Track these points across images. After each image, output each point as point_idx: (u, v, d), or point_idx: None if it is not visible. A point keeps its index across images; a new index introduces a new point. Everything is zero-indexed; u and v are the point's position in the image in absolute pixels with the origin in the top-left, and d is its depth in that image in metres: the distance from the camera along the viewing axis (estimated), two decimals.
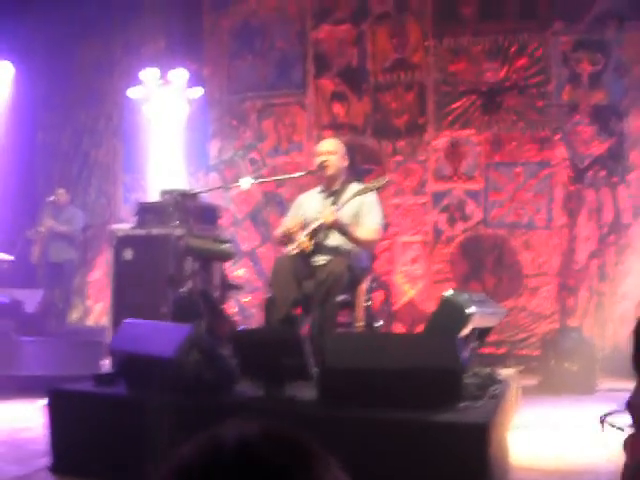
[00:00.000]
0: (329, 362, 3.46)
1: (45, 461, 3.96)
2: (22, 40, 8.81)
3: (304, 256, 4.74)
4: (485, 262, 8.32)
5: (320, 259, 4.74)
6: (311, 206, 4.98)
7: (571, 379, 6.57)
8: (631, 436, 1.61)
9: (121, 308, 5.81)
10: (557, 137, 8.15)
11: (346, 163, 5.05)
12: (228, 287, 6.08)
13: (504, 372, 4.79)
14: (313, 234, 4.75)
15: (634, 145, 7.92)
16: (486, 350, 7.14)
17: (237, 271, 8.84)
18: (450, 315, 3.81)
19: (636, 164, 7.91)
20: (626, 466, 1.57)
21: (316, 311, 4.39)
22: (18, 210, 9.33)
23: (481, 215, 8.39)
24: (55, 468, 3.88)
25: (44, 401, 4.14)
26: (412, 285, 8.54)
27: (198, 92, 9.17)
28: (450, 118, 8.53)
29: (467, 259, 8.41)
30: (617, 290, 7.86)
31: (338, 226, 4.63)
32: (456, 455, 3.17)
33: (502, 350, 7.91)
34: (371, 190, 4.77)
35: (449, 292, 3.98)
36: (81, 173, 10.14)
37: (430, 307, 8.04)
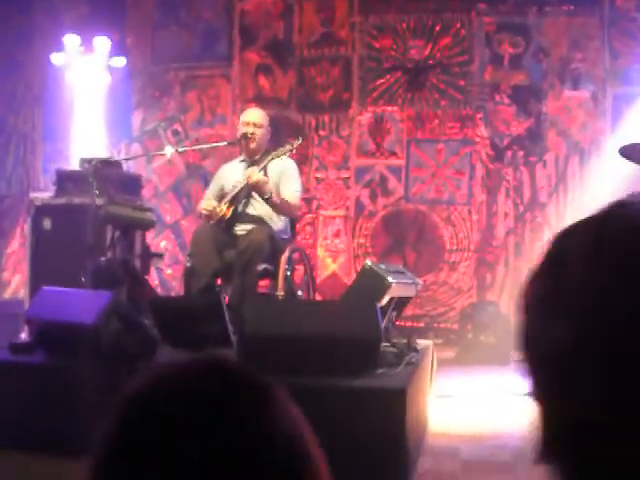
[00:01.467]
0: (249, 328, 3.49)
1: None
2: None
3: (225, 225, 4.73)
4: (406, 237, 8.45)
5: (241, 228, 4.74)
6: (232, 175, 4.98)
7: (487, 351, 6.76)
8: None
9: (39, 279, 5.69)
10: (479, 116, 8.30)
11: (269, 134, 5.05)
12: (149, 256, 6.02)
13: (421, 342, 4.89)
14: (232, 201, 4.75)
15: (551, 126, 8.14)
16: (406, 323, 7.30)
17: (160, 243, 8.76)
18: (369, 284, 3.88)
19: (553, 144, 8.14)
20: None
21: (236, 280, 4.40)
22: None
23: (402, 191, 8.51)
24: None
25: None
26: (334, 259, 8.62)
27: (121, 61, 8.98)
28: (375, 94, 8.60)
29: (388, 234, 8.53)
30: (533, 266, 8.07)
31: (261, 185, 4.62)
32: (374, 420, 3.24)
33: (421, 323, 8.07)
34: (288, 151, 4.79)
35: (368, 262, 4.05)
36: (0, 142, 9.86)
37: (351, 281, 8.15)
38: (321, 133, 8.70)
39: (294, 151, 4.90)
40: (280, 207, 4.78)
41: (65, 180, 6.22)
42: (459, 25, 8.39)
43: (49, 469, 3.44)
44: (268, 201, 4.68)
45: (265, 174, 4.64)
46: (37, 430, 3.63)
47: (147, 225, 6.14)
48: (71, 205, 5.90)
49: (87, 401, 3.48)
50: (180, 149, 6.15)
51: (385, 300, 4.04)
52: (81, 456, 0.86)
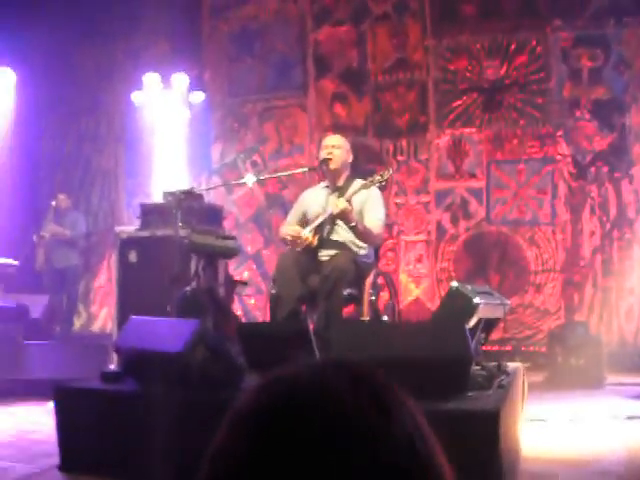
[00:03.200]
0: (337, 353, 3.45)
1: (54, 460, 3.95)
2: (23, 45, 8.81)
3: (309, 251, 4.73)
4: (489, 259, 8.31)
5: (325, 254, 4.73)
6: (315, 201, 4.97)
7: (578, 374, 6.55)
8: None
9: (126, 310, 5.78)
10: (559, 133, 8.15)
11: (350, 158, 5.04)
12: (233, 284, 6.07)
13: (511, 365, 4.77)
14: (318, 229, 4.75)
15: (636, 139, 7.92)
16: (492, 347, 7.14)
17: (242, 274, 8.84)
18: (457, 305, 3.80)
19: (639, 158, 7.91)
20: None
21: (321, 305, 4.37)
22: (22, 216, 9.34)
23: (484, 213, 8.39)
24: (64, 466, 3.86)
25: (52, 404, 4.13)
26: (417, 284, 8.53)
27: (199, 96, 9.18)
28: (451, 117, 8.54)
29: (471, 257, 8.41)
30: (623, 285, 7.84)
31: (347, 214, 4.59)
32: (467, 443, 3.14)
33: (508, 347, 7.89)
34: (378, 182, 4.76)
35: (455, 283, 3.98)
36: (83, 179, 10.15)
37: (435, 306, 8.04)
38: (399, 158, 8.66)
39: (384, 184, 4.87)
40: (364, 235, 4.75)
41: (149, 213, 6.34)
42: (534, 42, 8.28)
43: None
44: (353, 229, 4.66)
45: (349, 201, 4.62)
46: (121, 456, 3.66)
47: (231, 253, 6.20)
48: (155, 237, 6.00)
49: (173, 429, 3.50)
50: (261, 177, 6.17)
51: (473, 321, 3.95)
52: None
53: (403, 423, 0.69)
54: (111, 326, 9.08)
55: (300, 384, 0.70)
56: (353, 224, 4.62)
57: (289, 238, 4.83)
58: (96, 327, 10.01)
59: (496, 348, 7.46)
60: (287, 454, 0.64)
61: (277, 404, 0.68)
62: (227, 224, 7.91)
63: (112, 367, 6.27)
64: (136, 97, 9.12)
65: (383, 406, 0.69)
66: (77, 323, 9.81)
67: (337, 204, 4.56)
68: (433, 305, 8.05)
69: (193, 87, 9.24)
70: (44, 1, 8.80)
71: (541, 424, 4.88)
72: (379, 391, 0.71)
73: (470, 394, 3.49)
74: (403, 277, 8.52)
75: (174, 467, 3.43)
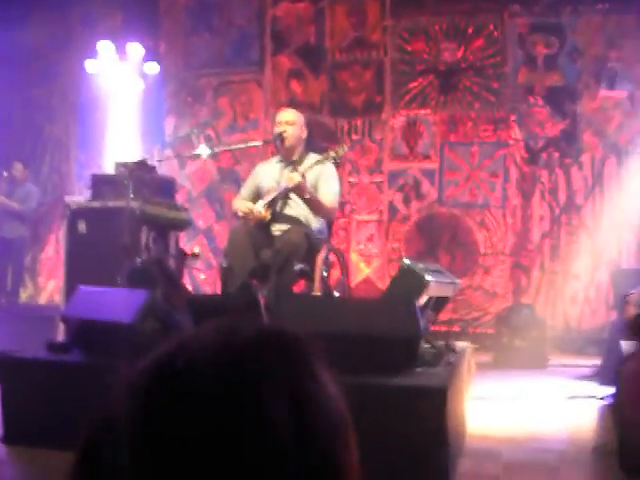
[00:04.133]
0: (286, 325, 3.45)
1: None
2: None
3: (261, 226, 4.71)
4: (440, 241, 8.38)
5: (278, 228, 4.72)
6: (269, 175, 4.95)
7: (523, 355, 6.67)
8: None
9: (75, 281, 5.68)
10: (512, 118, 8.23)
11: (305, 133, 5.02)
12: (184, 257, 6.02)
13: (459, 344, 4.83)
14: (271, 203, 4.73)
15: (587, 127, 8.04)
16: (441, 328, 7.22)
17: (193, 248, 8.76)
18: (408, 282, 3.83)
19: (589, 146, 8.03)
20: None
21: (273, 280, 4.37)
22: None
23: (436, 194, 8.45)
24: (6, 438, 3.80)
25: None
26: (368, 263, 8.57)
27: (154, 68, 9.04)
28: (407, 97, 8.56)
29: (422, 238, 8.47)
30: (569, 270, 7.98)
31: (301, 188, 4.58)
32: (414, 418, 3.18)
33: (456, 328, 7.98)
34: (333, 158, 4.75)
35: (407, 260, 4.00)
36: (34, 148, 9.95)
37: (385, 286, 8.09)
38: (354, 137, 8.66)
39: (339, 160, 4.86)
40: (318, 208, 4.74)
41: (100, 184, 6.25)
42: (492, 27, 8.32)
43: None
44: (307, 202, 4.65)
45: (303, 175, 4.60)
46: (69, 428, 3.61)
47: (183, 225, 6.15)
48: (106, 208, 5.92)
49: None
50: (215, 149, 6.10)
51: (424, 299, 3.98)
52: None
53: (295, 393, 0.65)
54: (58, 298, 8.95)
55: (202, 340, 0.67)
56: (307, 197, 4.61)
57: (241, 213, 4.81)
58: (42, 299, 9.85)
59: (445, 328, 7.54)
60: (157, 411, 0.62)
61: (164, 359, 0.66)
62: (179, 198, 7.83)
63: (59, 339, 6.19)
64: (90, 65, 8.94)
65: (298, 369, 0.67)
66: (23, 295, 9.64)
67: (292, 177, 4.55)
68: (383, 285, 8.09)
69: (148, 58, 9.09)
70: None
71: (486, 403, 4.96)
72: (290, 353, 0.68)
73: (418, 370, 3.52)
74: (354, 256, 8.55)
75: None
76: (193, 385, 0.63)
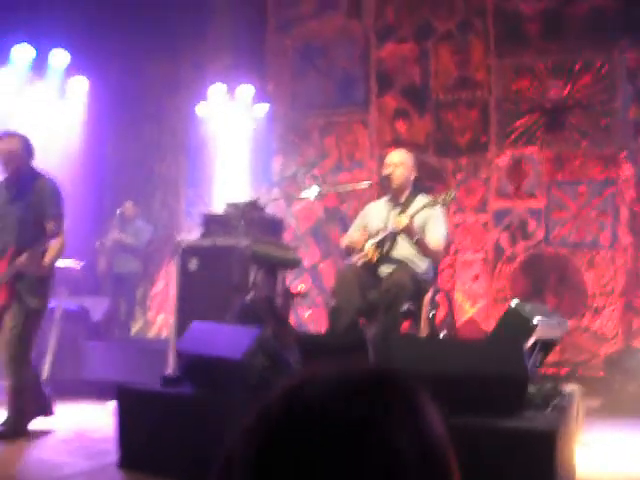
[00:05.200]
0: (395, 366, 3.48)
1: (112, 458, 4.06)
2: (96, 55, 9.08)
3: (369, 266, 4.77)
4: (547, 281, 8.23)
5: (385, 269, 4.77)
6: (378, 215, 5.02)
7: (635, 401, 6.44)
8: None
9: (185, 316, 5.88)
10: (622, 155, 8.05)
11: (414, 175, 5.07)
12: (291, 295, 6.13)
13: (567, 386, 4.73)
14: (380, 244, 4.79)
15: None
16: (548, 370, 7.06)
17: (298, 286, 8.89)
18: (515, 324, 3.80)
19: None
20: None
21: (380, 319, 4.41)
22: (87, 221, 9.55)
23: (543, 234, 8.32)
24: (122, 464, 3.97)
25: (112, 404, 4.24)
26: (473, 303, 8.50)
27: (263, 108, 9.32)
28: (513, 136, 8.50)
29: (528, 278, 8.34)
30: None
31: (410, 231, 4.63)
32: (522, 463, 3.15)
33: (564, 370, 7.79)
34: (442, 203, 4.79)
35: (515, 302, 3.98)
36: (146, 187, 10.36)
37: (491, 326, 7.99)
38: (458, 176, 8.65)
39: (447, 205, 4.90)
40: (425, 250, 4.78)
41: (211, 223, 6.44)
42: (599, 63, 8.20)
43: None
44: (414, 244, 4.70)
45: (411, 218, 4.65)
46: (180, 458, 3.74)
47: (292, 264, 6.27)
48: (216, 246, 6.09)
49: (229, 434, 3.56)
50: (323, 190, 6.20)
51: (531, 341, 3.95)
52: None
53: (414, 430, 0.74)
54: (166, 333, 9.23)
55: (318, 391, 0.75)
56: (415, 240, 4.66)
57: (350, 247, 4.89)
58: (152, 333, 10.17)
59: (552, 371, 7.38)
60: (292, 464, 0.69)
61: (291, 412, 0.73)
62: (286, 236, 7.98)
63: (169, 371, 6.39)
64: (200, 108, 9.30)
65: (408, 408, 0.75)
66: (134, 328, 9.99)
67: (399, 221, 4.61)
68: (487, 325, 8.00)
69: (257, 99, 9.39)
70: (118, 14, 9.04)
71: (596, 449, 4.82)
72: (400, 397, 0.76)
73: (527, 413, 3.49)
74: (458, 296, 8.49)
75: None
76: (324, 417, 0.71)
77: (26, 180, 4.86)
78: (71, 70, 9.24)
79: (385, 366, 0.81)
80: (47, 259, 4.72)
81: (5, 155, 4.82)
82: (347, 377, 0.76)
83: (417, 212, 4.74)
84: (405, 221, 4.58)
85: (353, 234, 5.13)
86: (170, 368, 6.20)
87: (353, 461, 0.69)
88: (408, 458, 0.71)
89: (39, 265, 4.67)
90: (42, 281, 4.80)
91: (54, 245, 4.75)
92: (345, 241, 5.08)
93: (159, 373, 6.18)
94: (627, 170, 8.02)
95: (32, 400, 4.90)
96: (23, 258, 4.63)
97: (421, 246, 4.72)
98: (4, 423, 4.78)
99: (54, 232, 4.76)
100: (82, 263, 7.92)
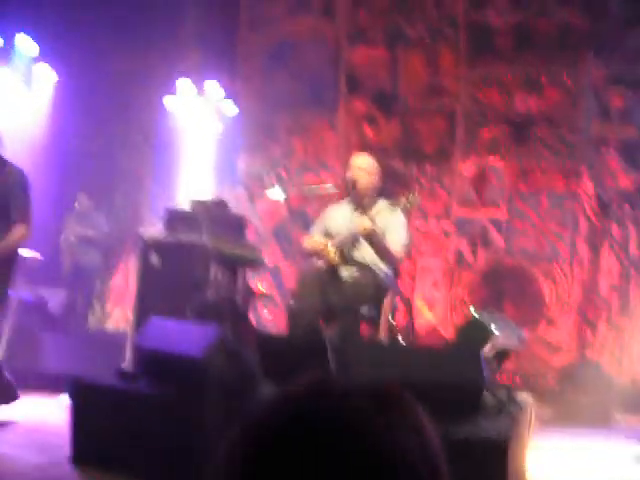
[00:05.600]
0: (353, 370, 3.50)
1: (65, 452, 4.02)
2: (63, 46, 8.98)
3: (330, 268, 4.79)
4: (505, 290, 8.32)
5: (346, 272, 4.79)
6: (339, 218, 5.04)
7: (587, 412, 6.54)
8: None
9: (145, 311, 5.85)
10: (584, 169, 8.16)
11: (378, 181, 5.10)
12: (251, 294, 6.13)
13: (521, 395, 4.79)
14: (341, 246, 4.81)
15: None
16: (502, 378, 7.14)
17: (258, 285, 8.87)
18: (475, 332, 3.84)
19: None
20: None
21: (339, 322, 4.43)
22: (49, 212, 9.42)
23: (503, 243, 8.41)
24: (75, 459, 3.94)
25: (65, 397, 4.20)
26: (431, 309, 8.56)
27: (231, 106, 9.29)
28: (478, 146, 8.58)
29: (488, 286, 8.42)
30: (638, 326, 7.83)
31: (373, 234, 4.65)
32: (475, 470, 3.19)
33: (517, 379, 7.88)
34: (404, 206, 4.82)
35: (473, 310, 4.02)
36: (110, 180, 10.25)
37: (449, 332, 8.06)
38: (423, 182, 8.71)
39: (409, 208, 4.93)
40: (385, 255, 4.81)
41: (174, 218, 6.40)
42: (567, 77, 8.30)
43: None
44: (375, 248, 4.72)
45: (373, 219, 4.68)
46: (134, 455, 3.72)
47: (256, 263, 6.27)
48: (179, 242, 6.06)
49: (186, 432, 3.56)
50: (290, 192, 6.21)
51: (487, 349, 3.99)
52: None
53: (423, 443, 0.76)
54: (124, 326, 9.15)
55: (317, 406, 0.75)
56: (376, 243, 4.68)
57: (309, 248, 4.90)
58: (109, 325, 10.08)
59: (506, 379, 7.46)
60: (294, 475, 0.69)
61: (293, 424, 0.73)
62: (248, 236, 7.96)
63: (125, 366, 6.34)
64: (168, 101, 9.24)
65: (413, 425, 0.76)
66: (91, 320, 9.89)
67: (362, 223, 4.63)
68: (446, 331, 8.07)
69: (225, 96, 9.36)
70: (85, 5, 8.95)
71: (547, 455, 4.89)
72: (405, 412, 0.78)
73: (480, 420, 3.53)
74: (418, 301, 8.54)
75: (183, 468, 3.49)
76: (332, 431, 0.72)
77: None
78: (38, 58, 9.14)
79: (350, 375, 0.83)
80: (3, 244, 4.70)
81: None
82: (349, 391, 0.78)
83: (378, 214, 4.76)
84: (367, 223, 4.61)
85: (314, 236, 5.14)
86: (127, 363, 6.15)
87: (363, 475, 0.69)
88: (421, 474, 0.73)
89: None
90: (4, 268, 4.77)
91: (15, 232, 4.74)
92: (307, 243, 5.09)
93: (116, 367, 6.13)
94: (588, 184, 8.13)
95: None
96: None
97: (381, 251, 4.75)
98: None
99: (18, 221, 4.73)
100: (41, 258, 7.85)
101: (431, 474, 0.74)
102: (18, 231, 4.77)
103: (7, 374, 5.07)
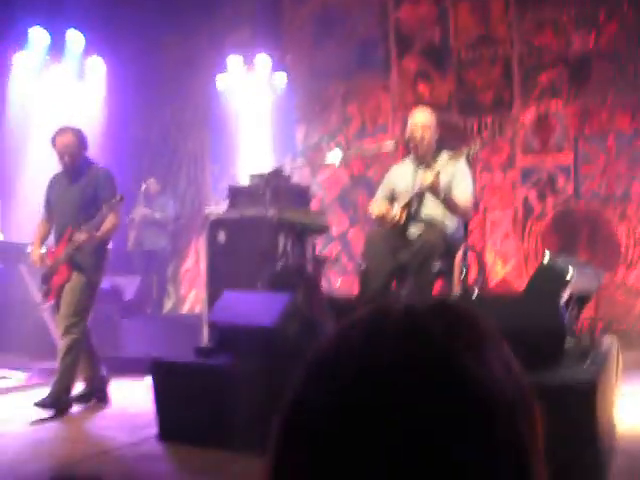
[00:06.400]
0: None
1: (152, 431, 4.10)
2: (112, 35, 9.06)
3: (398, 228, 4.73)
4: (578, 237, 8.12)
5: (414, 230, 4.72)
6: (403, 177, 4.97)
7: None
8: None
9: (217, 289, 5.89)
10: None
11: (437, 134, 5.01)
12: (321, 262, 6.11)
13: (605, 339, 4.68)
14: (406, 206, 4.74)
15: None
16: (584, 324, 6.98)
17: (328, 253, 8.87)
18: (550, 278, 3.74)
19: None
20: None
21: (411, 280, 4.38)
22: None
23: (572, 189, 8.19)
24: (162, 436, 4.00)
25: (148, 379, 4.28)
26: (504, 263, 8.41)
27: (282, 78, 9.26)
28: (537, 91, 8.35)
29: (559, 234, 8.23)
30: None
31: (436, 188, 4.56)
32: (563, 417, 3.11)
33: (599, 325, 7.70)
34: (466, 155, 4.72)
35: (547, 255, 3.91)
36: (171, 164, 10.35)
37: (522, 285, 7.91)
38: (484, 135, 8.53)
39: (471, 157, 4.83)
40: (453, 208, 4.72)
41: (237, 195, 6.43)
42: (624, 10, 7.98)
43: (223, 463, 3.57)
44: (443, 202, 4.64)
45: (437, 174, 4.59)
46: (218, 427, 3.76)
47: (321, 229, 6.26)
48: (244, 217, 6.09)
49: (263, 402, 3.57)
50: (349, 153, 6.15)
51: (566, 295, 3.88)
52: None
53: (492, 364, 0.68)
54: (200, 308, 9.27)
55: (384, 329, 0.68)
56: (442, 198, 4.60)
57: (377, 216, 4.84)
58: (185, 309, 10.22)
59: (588, 325, 7.29)
60: (373, 404, 0.63)
61: (360, 352, 0.67)
62: (313, 206, 7.95)
63: (203, 344, 6.42)
64: (220, 80, 9.25)
65: (474, 346, 0.68)
66: (167, 305, 10.05)
67: (425, 178, 4.55)
68: (520, 284, 7.92)
69: (275, 69, 9.33)
70: None
71: (636, 400, 4.77)
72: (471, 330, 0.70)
73: (565, 368, 3.45)
74: (490, 256, 8.41)
75: (266, 437, 3.51)
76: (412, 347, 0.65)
77: (81, 169, 5.25)
78: (88, 51, 9.25)
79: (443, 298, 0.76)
80: (100, 231, 5.04)
81: (61, 149, 5.18)
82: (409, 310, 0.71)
83: (443, 166, 4.67)
84: (430, 177, 4.52)
85: (379, 200, 5.05)
86: (205, 341, 6.23)
87: (447, 398, 0.63)
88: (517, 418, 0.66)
89: (93, 237, 4.99)
90: (97, 255, 5.16)
91: (108, 220, 5.06)
92: (372, 209, 5.01)
93: (193, 347, 6.22)
94: None
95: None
96: (79, 234, 4.96)
97: (449, 203, 4.66)
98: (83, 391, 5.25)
99: (108, 213, 5.03)
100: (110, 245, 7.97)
101: (527, 418, 0.67)
102: (111, 219, 5.08)
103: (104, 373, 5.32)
